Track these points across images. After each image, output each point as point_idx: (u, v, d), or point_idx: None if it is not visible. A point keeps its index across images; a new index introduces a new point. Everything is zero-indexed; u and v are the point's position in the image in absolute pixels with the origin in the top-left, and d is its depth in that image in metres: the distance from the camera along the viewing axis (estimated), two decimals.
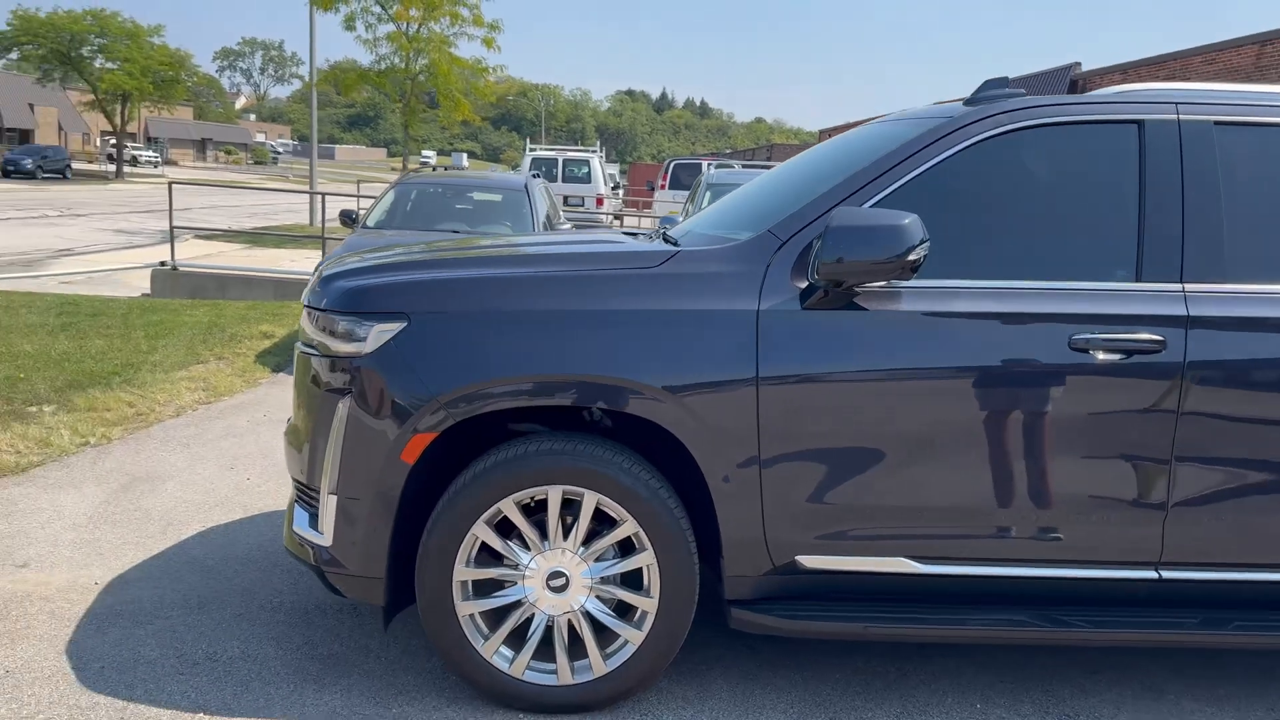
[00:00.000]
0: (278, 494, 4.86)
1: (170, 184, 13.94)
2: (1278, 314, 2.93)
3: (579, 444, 2.91)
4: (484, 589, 3.01)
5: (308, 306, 3.13)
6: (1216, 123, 3.03)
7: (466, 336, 2.87)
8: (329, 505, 2.97)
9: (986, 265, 2.97)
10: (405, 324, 2.89)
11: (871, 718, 3.07)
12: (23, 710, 2.88)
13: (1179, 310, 2.91)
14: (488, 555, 2.99)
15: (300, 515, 3.16)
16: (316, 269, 3.88)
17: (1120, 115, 3.05)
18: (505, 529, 2.97)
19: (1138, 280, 2.95)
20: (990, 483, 2.92)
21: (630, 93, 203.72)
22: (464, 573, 2.93)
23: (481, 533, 2.91)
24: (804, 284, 2.89)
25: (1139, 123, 3.03)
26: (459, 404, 2.84)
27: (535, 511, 2.97)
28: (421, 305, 2.91)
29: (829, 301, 2.87)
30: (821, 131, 41.55)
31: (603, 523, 2.96)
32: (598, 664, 2.97)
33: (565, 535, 2.95)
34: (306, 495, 3.15)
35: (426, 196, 9.54)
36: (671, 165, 23.89)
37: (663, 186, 23.27)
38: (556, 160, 22.16)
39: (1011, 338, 2.90)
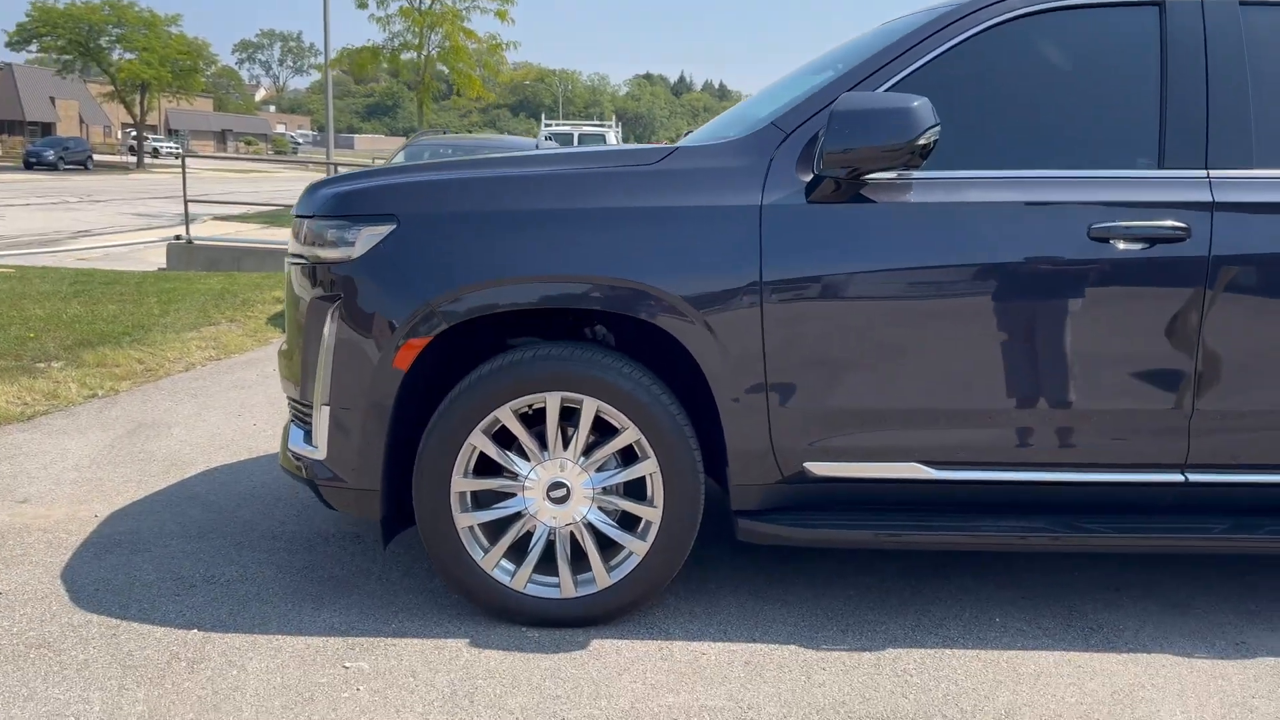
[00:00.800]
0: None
1: (183, 157, 13.94)
2: None
3: (577, 350, 2.82)
4: (483, 501, 2.93)
5: (297, 215, 3.05)
6: (1242, 1, 2.88)
7: (457, 238, 2.78)
8: (322, 417, 2.88)
9: (1002, 154, 2.85)
10: (394, 226, 2.80)
11: (886, 629, 2.96)
12: (14, 628, 2.82)
13: (1204, 196, 2.77)
14: (486, 466, 2.91)
15: (295, 433, 3.09)
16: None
17: None
18: (504, 439, 2.88)
19: (1160, 167, 2.81)
20: (1005, 382, 2.80)
21: (648, 76, 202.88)
22: (462, 483, 2.85)
23: (479, 442, 2.82)
24: (809, 177, 2.77)
25: (1160, 3, 2.88)
26: (451, 308, 2.75)
27: (534, 421, 2.88)
28: (410, 207, 2.82)
29: (835, 194, 2.75)
30: None
31: (604, 432, 2.86)
32: (601, 576, 2.88)
33: (565, 445, 2.86)
34: (300, 411, 3.07)
35: (438, 155, 9.47)
36: None
37: None
38: (572, 135, 22.06)
39: (1028, 228, 2.77)
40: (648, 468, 2.83)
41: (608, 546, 2.91)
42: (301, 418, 3.07)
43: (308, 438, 2.99)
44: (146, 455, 4.46)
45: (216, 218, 20.07)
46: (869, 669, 2.73)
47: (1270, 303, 2.79)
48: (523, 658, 2.74)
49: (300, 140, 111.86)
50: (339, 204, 2.88)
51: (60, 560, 3.28)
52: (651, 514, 2.86)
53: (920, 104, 2.62)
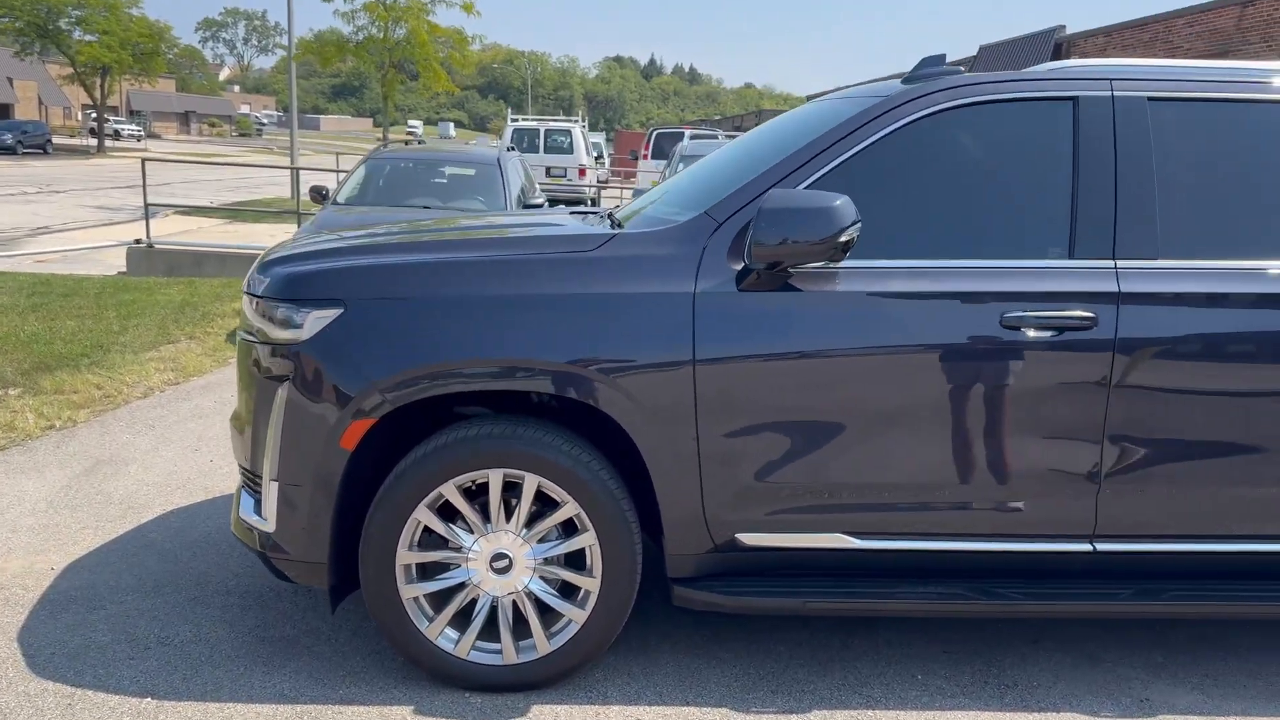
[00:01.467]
0: (238, 476, 4.88)
1: (143, 160, 13.83)
2: (1209, 289, 2.96)
3: (519, 427, 2.94)
4: (427, 572, 3.05)
5: (247, 294, 3.14)
6: (1150, 98, 3.04)
7: (401, 322, 2.89)
8: (271, 491, 2.99)
9: (921, 245, 2.99)
10: (341, 310, 2.90)
11: (814, 689, 3.13)
12: None
13: (1110, 287, 2.93)
14: (430, 538, 3.03)
15: (246, 501, 3.19)
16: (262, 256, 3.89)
17: (1055, 92, 3.06)
18: (448, 513, 3.00)
19: (1070, 257, 2.97)
20: (924, 459, 2.95)
21: (618, 59, 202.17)
22: (407, 556, 2.97)
23: (424, 517, 2.94)
24: (739, 265, 2.91)
25: (1074, 99, 3.04)
26: (396, 389, 2.86)
27: (477, 495, 3.00)
28: (357, 291, 2.92)
29: (764, 283, 2.88)
30: (809, 96, 41.31)
31: (545, 504, 2.99)
32: (542, 643, 3.02)
33: (508, 517, 2.99)
34: (251, 481, 3.17)
35: (399, 172, 9.50)
36: (654, 134, 23.80)
37: (645, 156, 23.18)
38: (538, 130, 22.06)
39: (944, 316, 2.92)
40: (587, 540, 2.97)
41: (547, 613, 3.05)
42: (251, 485, 3.18)
43: (257, 507, 3.10)
44: (104, 497, 4.53)
45: (179, 212, 19.91)
46: None
47: (1168, 385, 2.96)
48: None
49: (265, 121, 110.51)
50: (287, 286, 2.98)
51: (17, 620, 3.37)
52: (590, 584, 3.00)
53: (842, 203, 2.76)
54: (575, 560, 3.04)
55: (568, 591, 3.06)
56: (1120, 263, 2.96)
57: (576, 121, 22.91)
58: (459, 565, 3.01)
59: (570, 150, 21.85)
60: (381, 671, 3.14)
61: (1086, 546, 3.06)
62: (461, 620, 3.04)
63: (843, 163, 2.98)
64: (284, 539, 3.00)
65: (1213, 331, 2.94)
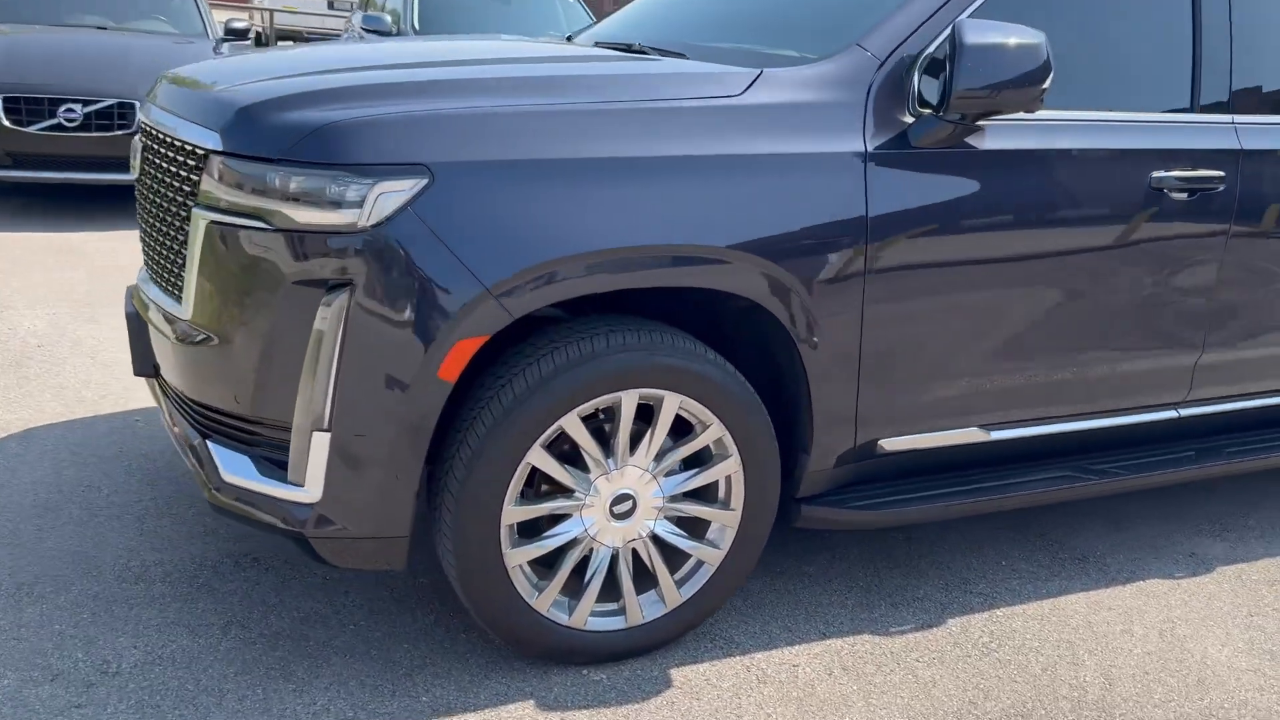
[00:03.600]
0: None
1: None
2: None
3: (661, 335, 2.24)
4: (529, 530, 2.31)
5: (228, 152, 2.07)
6: None
7: (519, 196, 2.04)
8: (317, 446, 2.06)
9: (1077, 94, 2.63)
10: (428, 181, 1.99)
11: (926, 594, 2.83)
12: None
13: (1232, 143, 2.77)
14: (533, 488, 2.29)
15: (235, 460, 2.20)
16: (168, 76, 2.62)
17: None
18: (560, 452, 2.26)
19: (1193, 110, 2.76)
20: (1063, 336, 2.68)
21: None
22: (514, 513, 2.21)
23: (539, 460, 2.19)
24: (907, 116, 2.37)
25: None
26: (524, 291, 2.04)
27: (592, 425, 2.28)
28: (449, 152, 2.02)
29: (946, 140, 2.37)
30: None
31: (674, 431, 2.35)
32: (671, 595, 2.42)
33: (632, 448, 2.31)
34: (245, 431, 2.19)
35: None
36: None
37: None
38: None
39: (1104, 178, 2.61)
40: (729, 467, 2.38)
41: (674, 557, 2.45)
42: (245, 437, 2.20)
43: (272, 471, 2.15)
44: None
45: None
46: (958, 649, 2.59)
47: (1273, 244, 2.90)
48: (617, 712, 2.25)
49: None
50: (336, 144, 1.99)
51: None
52: (729, 518, 2.43)
53: (1044, 41, 2.30)
54: (702, 494, 2.44)
55: (695, 530, 2.46)
56: (1238, 118, 2.80)
57: None
58: (572, 515, 2.30)
59: None
60: (461, 662, 2.38)
61: (1173, 414, 2.99)
62: (570, 584, 2.36)
63: None
64: (338, 510, 2.11)
65: None
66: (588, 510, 2.30)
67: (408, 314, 2.00)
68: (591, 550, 2.34)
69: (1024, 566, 3.03)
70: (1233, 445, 3.14)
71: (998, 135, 2.45)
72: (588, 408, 2.20)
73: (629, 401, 2.23)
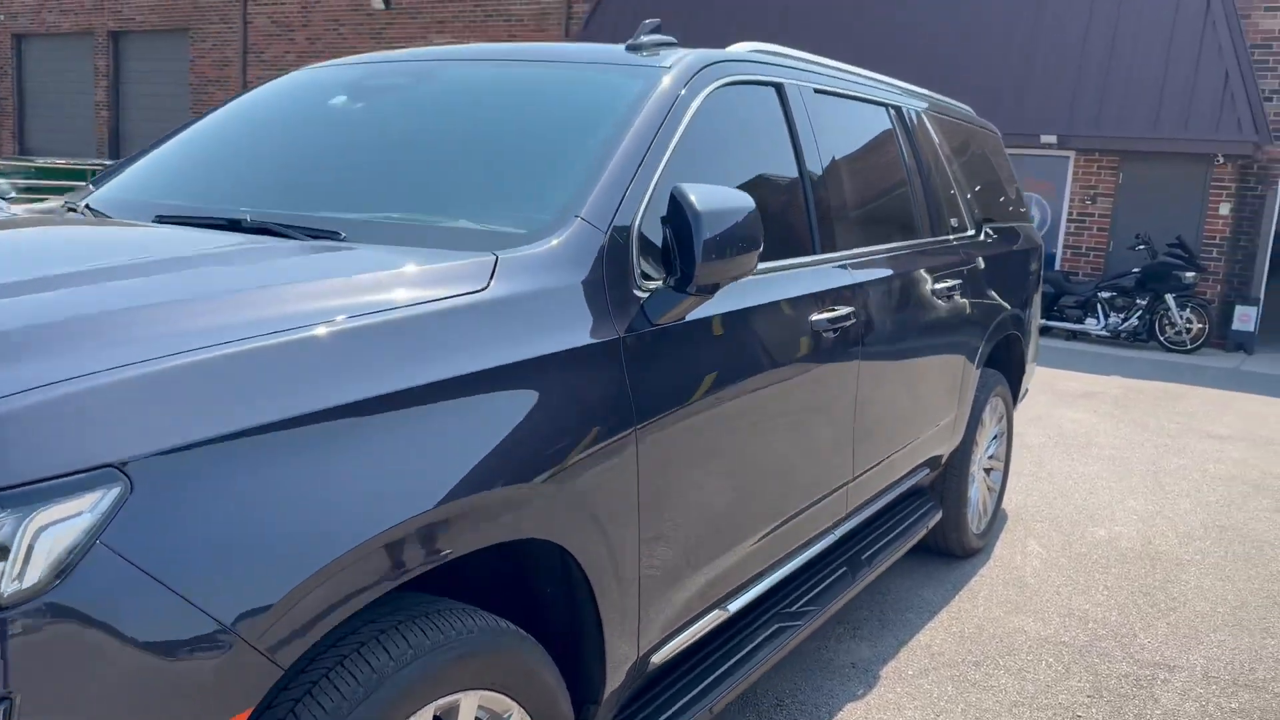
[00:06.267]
0: None
1: None
2: (904, 270, 3.21)
3: (444, 625, 1.64)
4: None
5: None
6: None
7: (248, 488, 1.33)
8: None
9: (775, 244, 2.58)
10: (121, 489, 1.21)
11: None
12: None
13: (849, 279, 2.93)
14: None
15: None
16: None
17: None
18: None
19: (817, 251, 2.86)
20: (779, 487, 2.59)
21: None
22: None
23: None
24: (642, 291, 2.08)
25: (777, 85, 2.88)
26: (294, 623, 1.33)
27: None
28: (149, 438, 1.25)
29: (686, 310, 2.12)
30: None
31: None
32: None
33: None
34: None
35: None
36: None
37: None
38: None
39: (789, 328, 2.57)
40: None
41: None
42: None
43: None
44: None
45: None
46: None
47: (891, 368, 3.13)
48: None
49: None
50: None
51: None
52: None
53: (751, 201, 2.18)
54: None
55: None
56: (844, 253, 2.97)
57: None
58: None
59: None
60: None
61: (833, 537, 3.07)
62: None
63: (673, 154, 2.31)
64: None
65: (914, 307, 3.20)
66: None
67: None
68: None
69: None
70: (865, 550, 3.32)
71: (723, 299, 2.27)
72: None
73: (469, 704, 1.60)
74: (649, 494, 2.03)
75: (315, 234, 2.03)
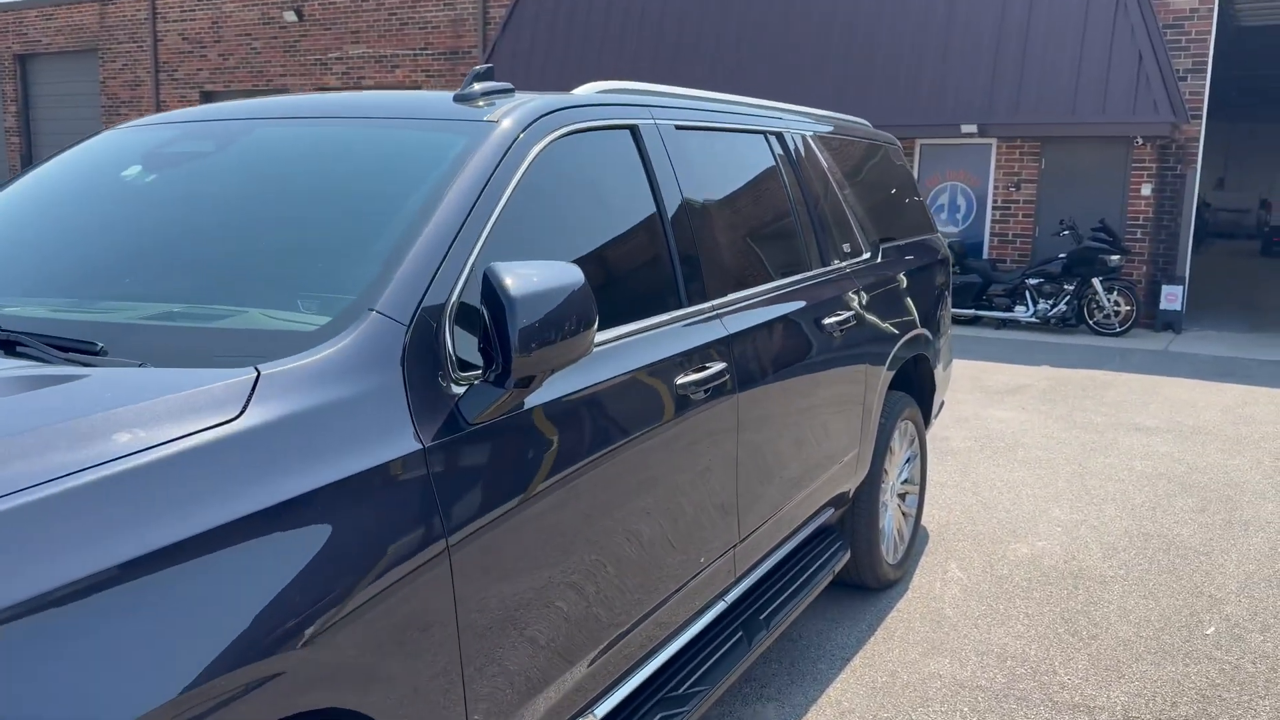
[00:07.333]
0: None
1: None
2: (787, 311, 3.00)
3: None
4: None
5: None
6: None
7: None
8: None
9: (602, 315, 2.32)
10: None
11: None
12: None
13: (721, 332, 2.72)
14: None
15: None
16: None
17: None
18: None
19: (685, 305, 2.65)
20: (644, 572, 2.37)
21: None
22: None
23: None
24: (456, 387, 1.84)
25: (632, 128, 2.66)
26: None
27: None
28: None
29: (508, 403, 1.89)
30: None
31: None
32: None
33: None
34: None
35: None
36: None
37: None
38: None
39: (649, 397, 2.34)
40: None
41: None
42: None
43: None
44: None
45: None
46: None
47: (775, 415, 2.92)
48: None
49: None
50: None
51: None
52: None
53: (581, 274, 1.95)
54: None
55: None
56: (715, 302, 2.76)
57: None
58: None
59: None
60: None
61: (723, 604, 2.86)
62: None
63: (498, 220, 2.08)
64: None
65: (798, 360, 2.99)
66: None
67: None
68: None
69: None
70: (764, 609, 3.12)
71: (561, 380, 2.04)
72: None
73: None
74: (470, 616, 1.79)
75: (68, 346, 1.76)
